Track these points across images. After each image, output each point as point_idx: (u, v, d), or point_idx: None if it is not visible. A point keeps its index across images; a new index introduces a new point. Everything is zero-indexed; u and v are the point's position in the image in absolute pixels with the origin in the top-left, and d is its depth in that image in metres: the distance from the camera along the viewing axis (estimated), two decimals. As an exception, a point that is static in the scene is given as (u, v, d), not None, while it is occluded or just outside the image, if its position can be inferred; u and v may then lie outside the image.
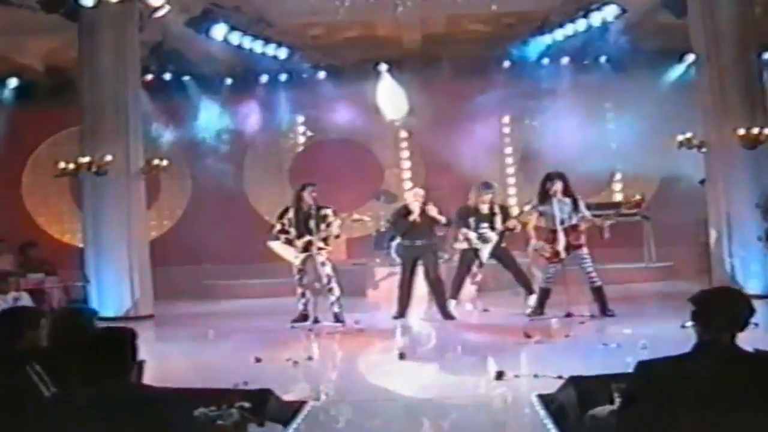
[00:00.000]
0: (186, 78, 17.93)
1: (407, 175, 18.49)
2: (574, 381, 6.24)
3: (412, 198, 11.96)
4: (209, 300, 15.92)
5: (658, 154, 17.68)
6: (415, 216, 11.83)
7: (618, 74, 16.58)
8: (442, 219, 11.86)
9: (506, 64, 17.58)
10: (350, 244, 17.87)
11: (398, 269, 12.80)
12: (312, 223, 11.51)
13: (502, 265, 12.73)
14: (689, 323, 4.30)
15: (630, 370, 4.27)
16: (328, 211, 11.73)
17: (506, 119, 17.63)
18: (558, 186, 11.30)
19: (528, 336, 9.78)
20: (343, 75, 17.84)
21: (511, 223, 12.18)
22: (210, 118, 17.87)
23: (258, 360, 8.82)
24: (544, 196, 11.44)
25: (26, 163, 18.57)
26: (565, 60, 17.36)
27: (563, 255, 11.19)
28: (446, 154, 17.10)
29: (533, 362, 8.51)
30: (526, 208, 12.30)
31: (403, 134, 18.24)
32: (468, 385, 7.67)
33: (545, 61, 17.40)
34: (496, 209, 12.43)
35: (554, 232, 11.24)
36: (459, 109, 17.19)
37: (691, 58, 16.92)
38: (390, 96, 17.36)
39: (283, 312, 12.27)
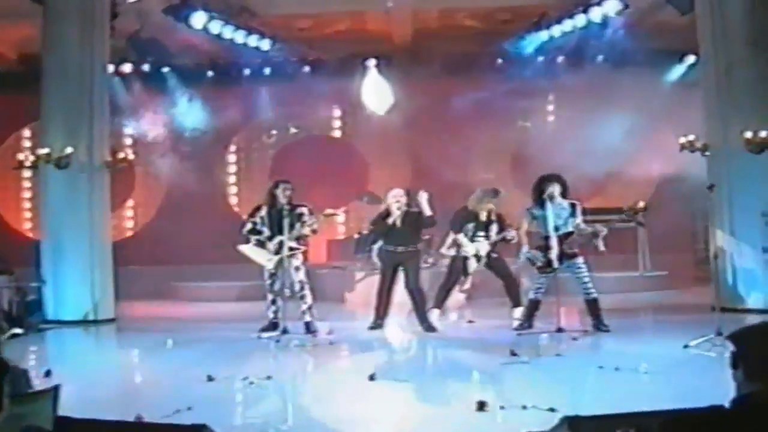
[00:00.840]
0: (166, 70, 16.69)
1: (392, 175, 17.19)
2: (571, 423, 5.00)
3: (392, 200, 10.71)
4: (180, 303, 14.77)
5: (654, 156, 16.67)
6: (394, 219, 10.60)
7: (615, 73, 15.38)
8: (427, 210, 10.56)
9: (499, 61, 16.40)
10: (330, 246, 16.71)
11: (377, 272, 11.55)
12: (285, 223, 10.27)
13: (495, 275, 11.49)
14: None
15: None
16: (304, 210, 10.54)
17: (498, 118, 16.32)
18: (555, 189, 10.09)
19: (514, 354, 8.55)
20: (329, 70, 16.61)
21: (509, 235, 10.96)
22: (190, 111, 16.65)
23: (210, 379, 7.57)
24: (539, 200, 10.21)
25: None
26: (560, 58, 16.19)
27: (556, 264, 9.97)
28: (435, 154, 15.98)
29: (521, 388, 7.29)
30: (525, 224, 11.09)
31: (390, 132, 16.90)
32: (446, 419, 6.42)
33: (540, 58, 16.21)
34: (493, 217, 11.23)
35: (547, 239, 10.02)
36: (449, 108, 16.07)
37: (691, 59, 16.03)
38: (375, 89, 16.14)
39: (253, 318, 11.11)
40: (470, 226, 11.12)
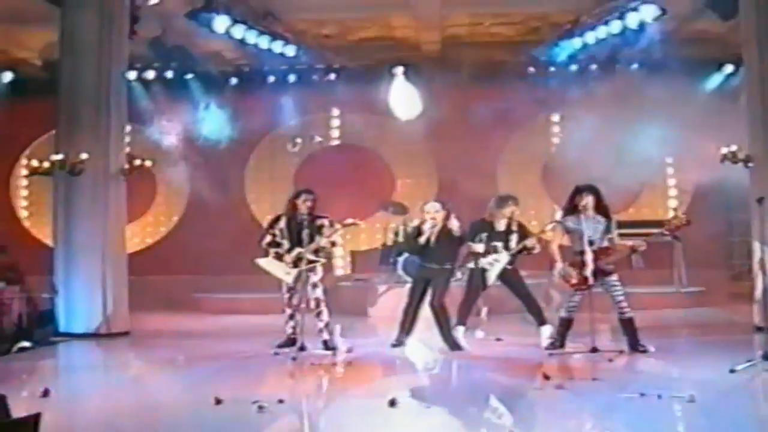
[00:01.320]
0: (189, 76, 16.11)
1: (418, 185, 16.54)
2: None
3: (426, 216, 10.01)
4: (200, 314, 14.12)
5: (690, 167, 15.90)
6: (428, 236, 9.92)
7: (649, 82, 14.60)
8: (457, 230, 9.87)
9: (530, 69, 15.68)
10: (355, 258, 16.04)
11: (402, 285, 10.83)
12: (305, 234, 9.60)
13: (511, 291, 10.76)
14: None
15: None
16: (324, 221, 9.88)
17: (529, 128, 15.58)
18: (589, 201, 9.36)
19: (547, 378, 7.81)
20: (355, 77, 16.03)
21: (530, 242, 10.24)
22: (213, 119, 16.04)
23: (218, 401, 6.89)
24: (572, 212, 9.48)
25: (19, 160, 16.79)
26: (593, 66, 15.45)
27: (591, 281, 9.20)
28: (462, 164, 15.28)
29: (555, 417, 6.56)
30: (549, 227, 10.36)
31: (417, 142, 16.19)
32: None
33: (572, 67, 15.48)
34: (514, 227, 10.51)
35: (581, 253, 9.26)
36: (477, 117, 15.30)
37: (729, 68, 15.26)
38: (403, 96, 15.46)
39: (271, 332, 10.42)
40: (483, 235, 10.40)
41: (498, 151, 15.63)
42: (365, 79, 15.87)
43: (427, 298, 10.04)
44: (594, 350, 9.06)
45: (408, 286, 10.48)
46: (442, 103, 15.29)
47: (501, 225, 10.50)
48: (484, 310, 12.30)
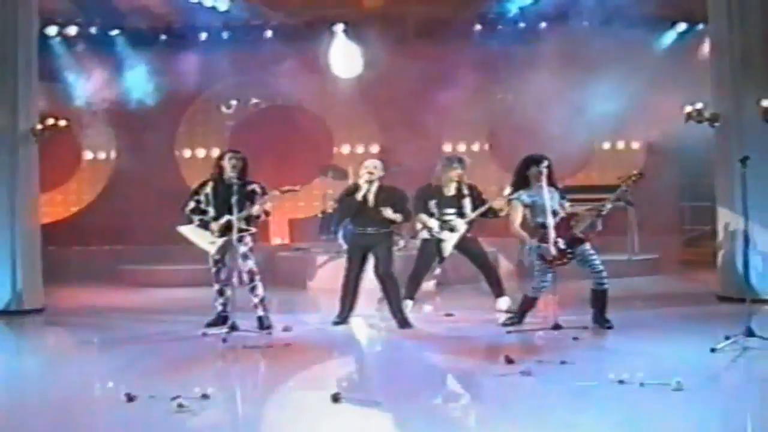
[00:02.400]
0: (115, 33, 14.55)
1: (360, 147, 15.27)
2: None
3: (363, 172, 8.74)
4: (126, 288, 12.70)
5: (641, 130, 14.97)
6: (364, 194, 8.66)
7: (601, 41, 13.38)
8: (397, 217, 8.65)
9: (477, 27, 14.52)
10: (293, 226, 14.75)
11: (343, 256, 9.60)
12: (234, 201, 8.28)
13: (468, 259, 9.66)
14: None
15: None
16: (255, 187, 8.60)
17: (475, 88, 14.36)
18: (545, 171, 8.20)
19: (510, 361, 6.67)
20: (293, 35, 14.54)
21: (498, 203, 9.16)
22: (141, 78, 14.55)
23: (130, 398, 5.62)
24: (523, 185, 8.33)
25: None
26: (543, 24, 14.31)
27: (569, 255, 8.09)
28: (406, 127, 14.05)
29: (527, 412, 5.42)
30: (502, 201, 9.24)
31: (358, 103, 14.88)
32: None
33: (521, 24, 14.35)
34: (465, 190, 9.40)
35: (543, 227, 8.10)
36: (423, 77, 14.10)
37: (682, 26, 14.28)
38: (344, 54, 14.13)
39: (202, 308, 9.15)
40: (432, 203, 9.29)
41: (443, 114, 14.37)
42: (304, 36, 14.48)
43: (367, 268, 8.83)
44: (556, 327, 7.94)
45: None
46: (385, 62, 14.00)
47: (450, 189, 9.41)
48: (432, 282, 11.20)
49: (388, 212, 8.49)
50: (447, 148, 14.90)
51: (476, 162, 12.83)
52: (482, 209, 9.40)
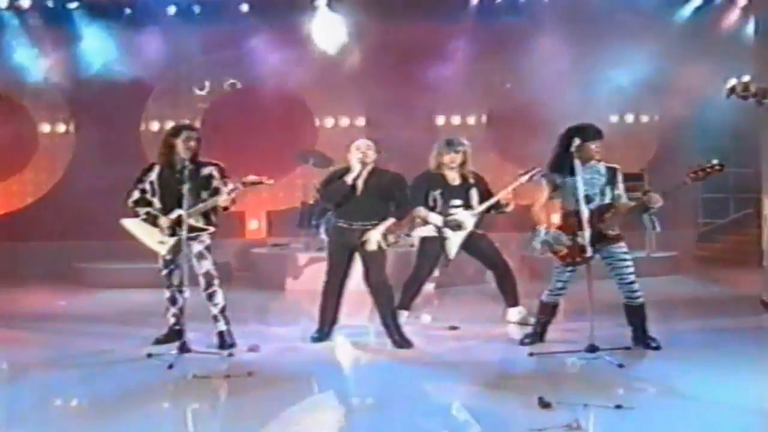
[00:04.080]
0: (73, 5, 12.45)
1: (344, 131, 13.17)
2: None
3: (354, 152, 6.73)
4: (78, 289, 10.68)
5: (658, 110, 13.11)
6: (354, 177, 6.65)
7: (615, 13, 11.48)
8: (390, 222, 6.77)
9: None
10: (272, 218, 12.72)
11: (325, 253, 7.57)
12: (186, 189, 6.25)
13: (478, 260, 7.71)
14: None
15: None
16: (212, 170, 6.57)
17: (473, 66, 12.39)
18: (593, 145, 6.21)
19: (546, 405, 4.69)
20: (271, 9, 12.41)
21: (506, 196, 7.21)
22: (103, 57, 12.54)
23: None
24: (560, 164, 6.28)
25: None
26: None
27: (589, 252, 6.07)
28: (396, 109, 12.02)
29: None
30: (523, 179, 7.29)
31: (343, 83, 12.83)
32: None
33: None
34: (471, 178, 7.41)
35: (575, 214, 6.11)
36: (414, 55, 12.18)
37: (697, 1, 12.36)
38: (327, 27, 12.06)
39: (158, 315, 7.06)
40: (436, 193, 7.30)
41: (436, 94, 12.39)
42: (283, 11, 12.38)
43: (353, 272, 6.85)
44: (592, 349, 5.95)
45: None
46: (372, 37, 12.01)
47: (455, 178, 7.40)
48: (432, 284, 9.21)
49: (374, 239, 6.51)
50: (440, 122, 12.94)
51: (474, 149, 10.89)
52: (491, 201, 7.44)
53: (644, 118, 13.40)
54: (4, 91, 12.62)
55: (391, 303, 6.73)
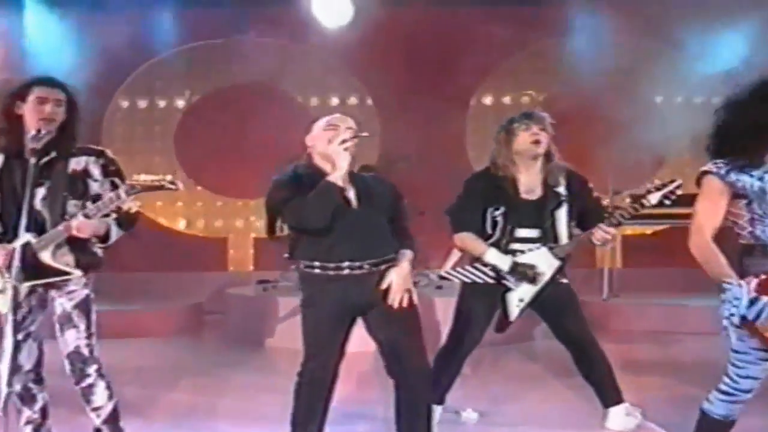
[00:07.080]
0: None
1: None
2: None
3: (329, 131, 3.61)
4: None
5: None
6: (337, 177, 3.43)
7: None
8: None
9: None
10: (259, 248, 9.49)
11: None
12: (38, 198, 3.01)
13: (549, 327, 4.25)
14: None
15: None
16: (89, 163, 3.33)
17: (514, 59, 9.26)
18: None
19: None
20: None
21: (609, 226, 3.84)
22: (59, 46, 9.53)
23: None
24: (743, 161, 2.95)
25: None
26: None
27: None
28: (413, 108, 8.96)
29: None
30: (654, 198, 3.89)
31: (350, 80, 9.71)
32: None
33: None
34: (562, 184, 4.04)
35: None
36: (439, 45, 9.31)
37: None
38: (331, 4, 8.98)
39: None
40: (499, 213, 3.96)
41: (467, 94, 9.29)
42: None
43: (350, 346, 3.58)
44: None
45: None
46: (387, 26, 8.99)
47: (533, 180, 4.07)
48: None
49: (399, 284, 3.36)
50: (470, 141, 9.73)
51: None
52: (585, 234, 4.02)
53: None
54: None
55: (426, 403, 3.40)
